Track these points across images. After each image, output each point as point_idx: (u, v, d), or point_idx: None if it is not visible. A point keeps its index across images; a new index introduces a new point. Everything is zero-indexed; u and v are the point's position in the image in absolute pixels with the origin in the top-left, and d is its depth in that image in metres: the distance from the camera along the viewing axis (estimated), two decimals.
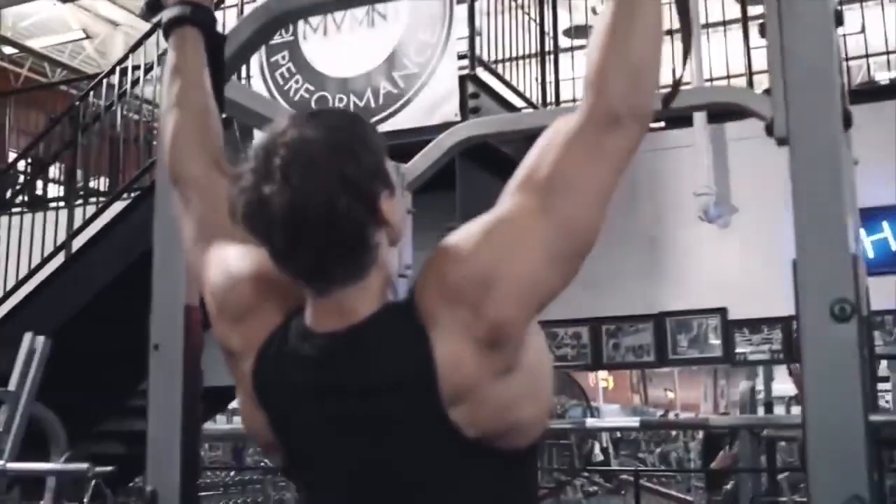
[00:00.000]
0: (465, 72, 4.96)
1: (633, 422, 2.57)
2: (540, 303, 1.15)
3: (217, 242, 1.33)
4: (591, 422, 2.57)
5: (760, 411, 7.02)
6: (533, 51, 5.95)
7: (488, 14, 5.40)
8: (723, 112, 4.93)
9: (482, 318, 1.10)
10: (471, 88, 4.94)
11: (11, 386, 3.89)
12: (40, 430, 3.99)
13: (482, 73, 5.11)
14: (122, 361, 6.36)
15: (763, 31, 1.46)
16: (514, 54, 5.67)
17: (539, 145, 1.19)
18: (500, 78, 5.35)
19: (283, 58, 5.35)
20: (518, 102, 5.56)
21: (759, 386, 7.85)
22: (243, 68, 5.66)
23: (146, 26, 7.13)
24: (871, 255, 5.00)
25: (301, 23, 5.32)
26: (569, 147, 1.16)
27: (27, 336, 4.03)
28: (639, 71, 1.16)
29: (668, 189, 5.66)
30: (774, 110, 1.44)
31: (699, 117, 5.27)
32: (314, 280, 1.17)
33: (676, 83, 1.46)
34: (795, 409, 8.58)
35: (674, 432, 12.13)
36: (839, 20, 1.43)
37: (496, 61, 5.52)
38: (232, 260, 1.30)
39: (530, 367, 1.16)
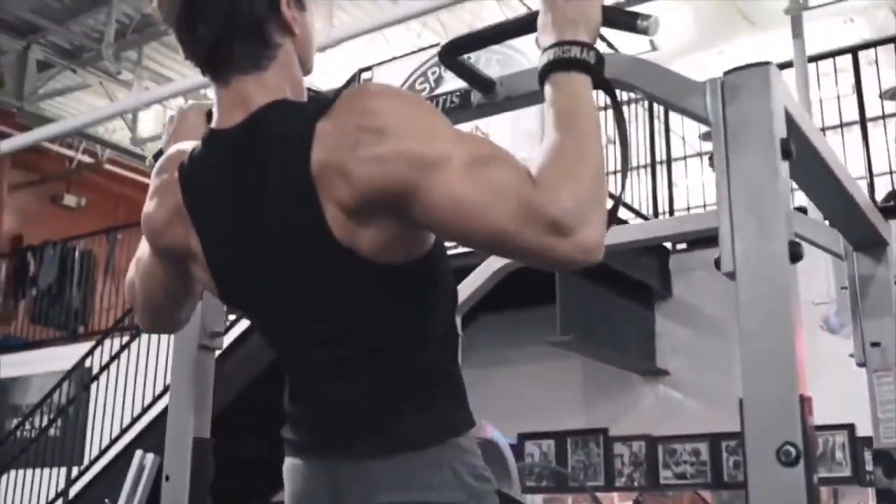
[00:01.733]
0: None
1: None
2: (383, 193, 1.13)
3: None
4: None
5: None
6: (643, 162, 5.94)
7: None
8: None
9: (354, 147, 1.13)
10: None
11: (121, 502, 4.10)
12: None
13: None
14: (253, 471, 6.61)
15: (711, 163, 1.44)
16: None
17: (509, 155, 1.17)
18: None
19: None
20: (626, 215, 5.54)
21: None
22: None
23: None
24: None
25: None
26: (520, 187, 1.11)
27: (137, 454, 4.25)
28: (589, 207, 1.12)
29: None
30: (721, 244, 1.41)
31: None
32: (212, 60, 1.27)
33: (613, 210, 1.40)
34: None
35: None
36: (786, 153, 1.39)
37: None
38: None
39: (370, 236, 1.17)
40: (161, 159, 1.42)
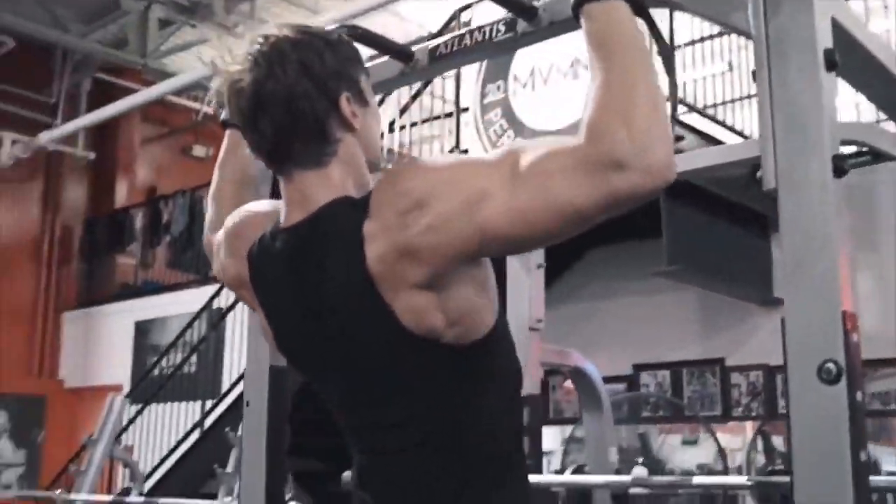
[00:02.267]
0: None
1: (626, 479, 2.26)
2: (456, 250, 1.17)
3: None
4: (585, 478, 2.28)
5: None
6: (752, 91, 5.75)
7: (697, 60, 5.32)
8: None
9: (405, 230, 1.17)
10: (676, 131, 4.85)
11: (240, 431, 4.30)
12: None
13: (689, 117, 5.02)
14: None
15: (754, 76, 1.41)
16: (736, 95, 5.55)
17: (538, 141, 1.19)
18: (714, 119, 5.22)
19: (496, 115, 5.55)
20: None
21: None
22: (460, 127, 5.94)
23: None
24: None
25: (512, 80, 5.50)
26: (564, 158, 1.12)
27: None
28: (646, 134, 1.10)
29: None
30: (763, 159, 1.38)
31: None
32: (276, 156, 1.33)
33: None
34: None
35: None
36: (831, 64, 1.35)
37: (716, 105, 5.42)
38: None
39: (455, 298, 1.21)
40: (234, 223, 1.46)
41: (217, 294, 7.47)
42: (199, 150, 11.75)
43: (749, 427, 6.49)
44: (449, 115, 6.50)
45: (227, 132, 1.75)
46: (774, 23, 1.38)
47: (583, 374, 2.71)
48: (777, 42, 1.38)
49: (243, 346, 6.56)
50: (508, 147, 1.20)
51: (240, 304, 7.08)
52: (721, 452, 5.50)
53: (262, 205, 1.49)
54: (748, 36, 1.43)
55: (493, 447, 1.31)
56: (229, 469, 4.22)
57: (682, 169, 2.30)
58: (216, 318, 7.51)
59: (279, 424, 1.96)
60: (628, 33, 1.20)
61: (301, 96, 1.28)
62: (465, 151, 5.60)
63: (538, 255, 2.64)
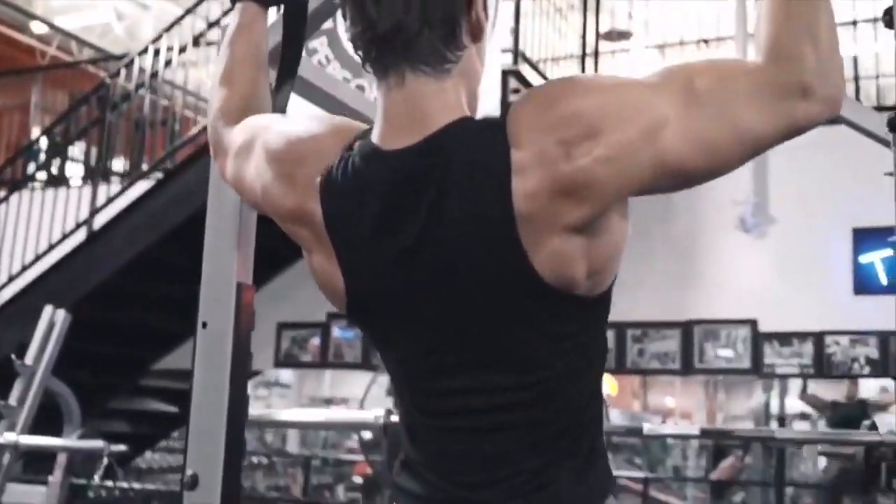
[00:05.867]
0: (509, 66, 4.86)
1: (694, 430, 2.52)
2: (630, 185, 1.02)
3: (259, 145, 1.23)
4: (648, 427, 2.50)
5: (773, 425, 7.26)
6: (574, 52, 5.90)
7: (532, 15, 5.35)
8: None
9: (570, 162, 0.99)
10: (513, 84, 4.82)
11: (29, 359, 3.79)
12: (50, 405, 3.86)
13: (525, 70, 5.02)
14: (137, 341, 6.36)
15: (890, 22, 1.35)
16: (555, 55, 5.64)
17: (708, 61, 1.07)
18: (543, 76, 5.28)
19: (322, 44, 5.27)
20: None
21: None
22: None
23: (177, 10, 7.07)
24: None
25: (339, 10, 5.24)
26: (746, 81, 1.02)
27: (47, 309, 3.92)
28: (830, 57, 1.02)
29: (706, 195, 5.54)
30: None
31: None
32: (388, 49, 1.06)
33: None
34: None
35: (670, 441, 11.83)
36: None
37: (537, 61, 5.47)
38: (277, 128, 1.22)
39: (604, 243, 1.05)
40: (287, 143, 1.18)
41: None
42: None
43: None
44: None
45: (239, 6, 1.46)
46: None
47: None
48: None
49: None
50: (669, 68, 1.06)
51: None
52: None
53: (318, 120, 1.21)
54: None
55: (593, 415, 1.16)
56: (13, 401, 3.69)
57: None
58: None
59: (244, 349, 1.70)
60: None
61: None
62: None
63: None
